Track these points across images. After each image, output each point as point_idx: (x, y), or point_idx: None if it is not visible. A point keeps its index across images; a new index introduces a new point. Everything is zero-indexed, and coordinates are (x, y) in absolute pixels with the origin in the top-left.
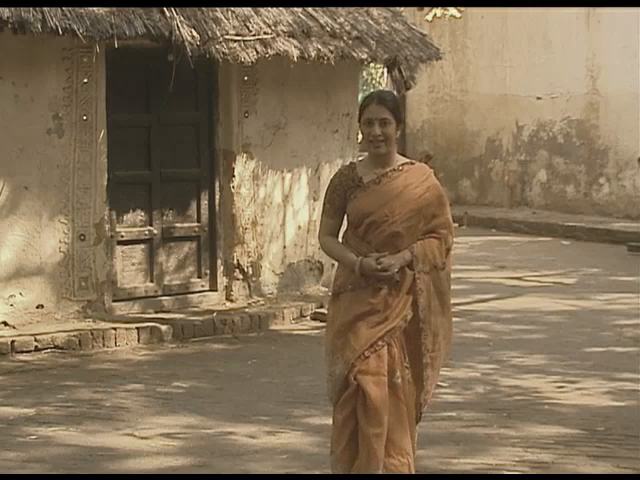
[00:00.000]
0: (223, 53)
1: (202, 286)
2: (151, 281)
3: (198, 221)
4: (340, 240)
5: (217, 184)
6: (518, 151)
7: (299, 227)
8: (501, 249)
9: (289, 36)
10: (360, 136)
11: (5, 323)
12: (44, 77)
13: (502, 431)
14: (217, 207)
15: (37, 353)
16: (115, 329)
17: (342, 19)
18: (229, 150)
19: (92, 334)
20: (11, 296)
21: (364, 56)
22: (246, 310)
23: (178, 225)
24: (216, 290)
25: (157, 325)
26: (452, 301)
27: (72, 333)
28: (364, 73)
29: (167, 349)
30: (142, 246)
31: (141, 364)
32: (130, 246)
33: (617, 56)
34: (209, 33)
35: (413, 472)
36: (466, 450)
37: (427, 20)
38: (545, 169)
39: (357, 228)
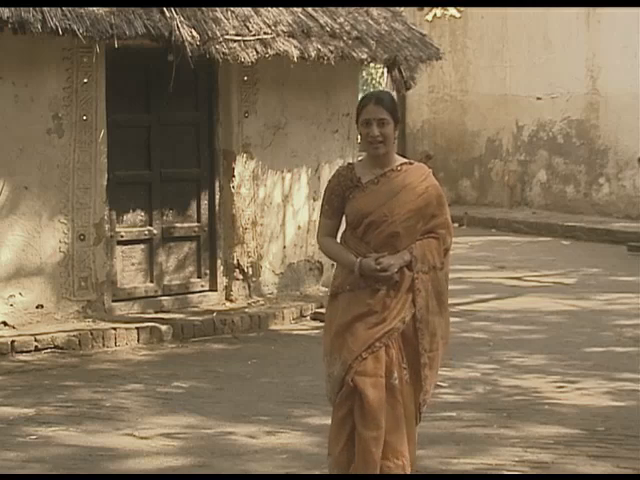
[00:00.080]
0: (223, 53)
1: (202, 286)
2: (151, 281)
3: (198, 221)
4: (338, 241)
5: (217, 184)
6: (518, 151)
7: (299, 227)
8: (501, 249)
9: (289, 36)
10: (359, 137)
11: (5, 323)
12: (44, 77)
13: (502, 431)
14: (217, 207)
15: (37, 353)
16: (115, 329)
17: (342, 19)
18: (229, 150)
19: (92, 334)
20: (11, 296)
21: (364, 56)
22: (246, 310)
23: (178, 225)
24: (216, 290)
25: (157, 325)
26: (452, 301)
27: (72, 333)
28: (364, 73)
29: (167, 349)
30: (142, 246)
31: (141, 364)
32: (130, 246)
33: (617, 56)
34: (209, 33)
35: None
36: (466, 450)
37: (427, 20)
38: (545, 169)
39: (356, 229)
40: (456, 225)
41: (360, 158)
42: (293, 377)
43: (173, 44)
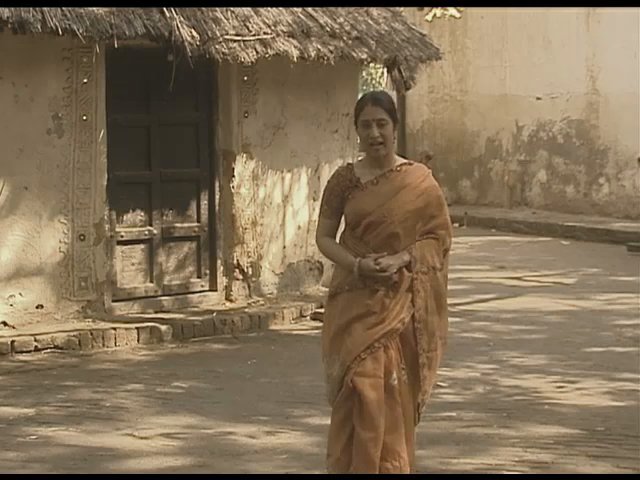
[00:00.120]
0: (223, 53)
1: (202, 286)
2: (151, 281)
3: (198, 221)
4: (338, 241)
5: (217, 184)
6: (518, 151)
7: (299, 227)
8: (501, 249)
9: (289, 36)
10: (358, 139)
11: (5, 323)
12: (44, 77)
13: (502, 431)
14: (217, 207)
15: (37, 353)
16: (115, 329)
17: (342, 19)
18: (229, 150)
19: (92, 334)
20: (11, 296)
21: (364, 56)
22: (246, 310)
23: (178, 225)
24: (216, 290)
25: (157, 325)
26: (452, 301)
27: (72, 333)
28: (364, 73)
29: (167, 349)
30: (142, 246)
31: (141, 364)
32: (130, 246)
33: (617, 56)
34: (209, 33)
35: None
36: (466, 450)
37: (427, 20)
38: (545, 169)
39: (355, 229)
40: (456, 225)
41: (360, 158)
42: (293, 377)
43: (173, 44)
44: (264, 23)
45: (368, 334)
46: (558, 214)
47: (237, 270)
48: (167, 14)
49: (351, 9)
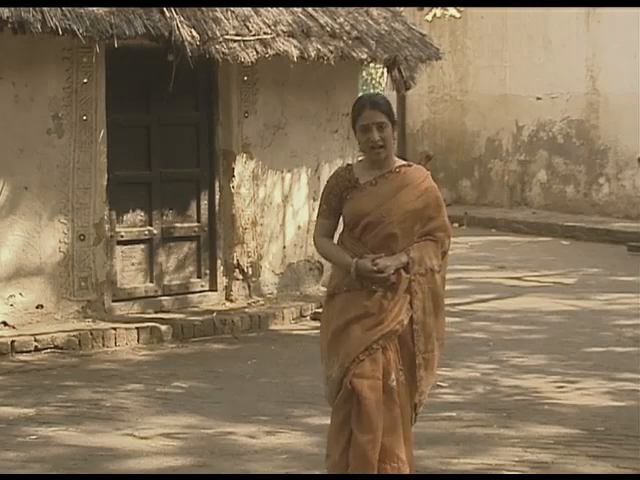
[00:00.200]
0: (223, 53)
1: (202, 286)
2: (151, 281)
3: (198, 221)
4: (336, 241)
5: (217, 184)
6: (518, 151)
7: (299, 227)
8: (501, 249)
9: (289, 36)
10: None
11: (5, 323)
12: (44, 77)
13: (502, 431)
14: (217, 207)
15: (37, 353)
16: (115, 329)
17: (342, 19)
18: (229, 150)
19: (92, 334)
20: (11, 296)
21: (364, 56)
22: (246, 310)
23: (178, 225)
24: (216, 290)
25: (157, 325)
26: (452, 301)
27: (72, 333)
28: (364, 73)
29: (167, 349)
30: (142, 246)
31: (141, 364)
32: (130, 246)
33: (617, 56)
34: (209, 33)
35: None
36: (466, 450)
37: (427, 20)
38: (545, 169)
39: (353, 229)
40: (456, 225)
41: (360, 159)
42: (293, 377)
43: (173, 44)
44: (264, 23)
45: (366, 336)
46: (558, 214)
47: (237, 270)
48: (167, 14)
49: (351, 9)
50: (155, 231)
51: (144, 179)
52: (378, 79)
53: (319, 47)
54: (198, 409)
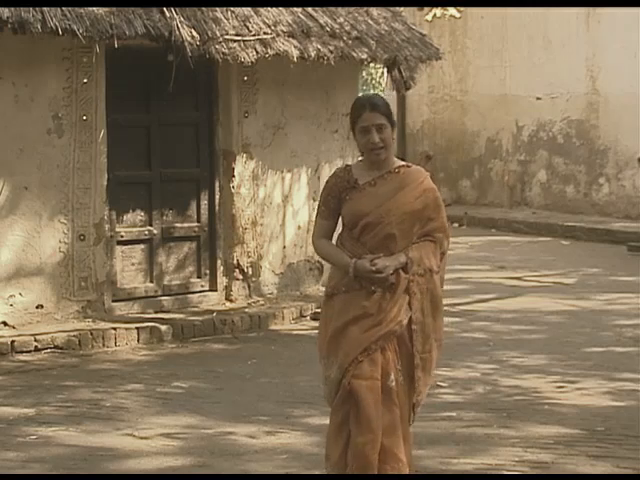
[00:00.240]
0: (223, 53)
1: (202, 286)
2: (151, 281)
3: (198, 221)
4: (335, 242)
5: (217, 184)
6: (518, 151)
7: (299, 227)
8: (501, 249)
9: (289, 36)
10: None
11: (5, 323)
12: (44, 77)
13: (502, 431)
14: (217, 207)
15: (37, 353)
16: (115, 329)
17: (342, 19)
18: (229, 150)
19: (92, 334)
20: (11, 296)
21: (364, 56)
22: (246, 310)
23: (178, 225)
24: (216, 290)
25: (157, 325)
26: (452, 301)
27: (72, 333)
28: (364, 73)
29: (167, 349)
30: (142, 246)
31: (141, 364)
32: (130, 246)
33: (617, 56)
34: (209, 33)
35: None
36: (466, 450)
37: (427, 20)
38: (545, 169)
39: (352, 229)
40: (456, 225)
41: (359, 159)
42: (293, 377)
43: (173, 44)
44: (264, 23)
45: (365, 336)
46: (558, 214)
47: (237, 270)
48: (167, 14)
49: (351, 9)
50: (155, 231)
51: (144, 179)
52: (378, 79)
53: (319, 47)
54: (198, 409)
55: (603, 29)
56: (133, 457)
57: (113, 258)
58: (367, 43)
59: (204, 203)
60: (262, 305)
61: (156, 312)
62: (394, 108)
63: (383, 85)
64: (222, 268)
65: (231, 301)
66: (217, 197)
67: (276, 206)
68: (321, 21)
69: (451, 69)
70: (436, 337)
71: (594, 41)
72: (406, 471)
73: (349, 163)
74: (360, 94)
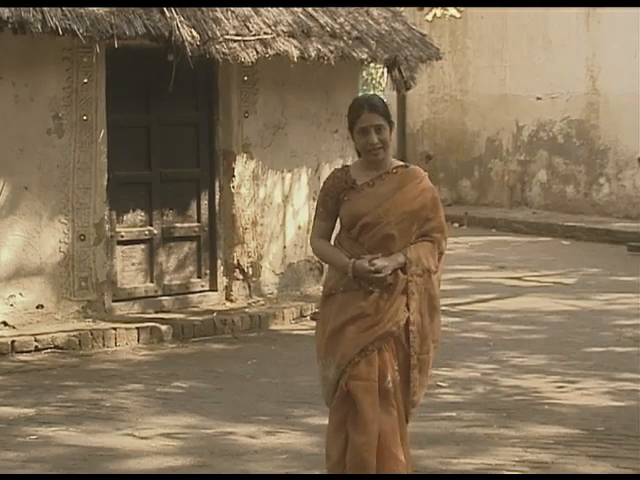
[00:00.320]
0: (223, 53)
1: (202, 286)
2: (151, 281)
3: (198, 221)
4: (333, 242)
5: (217, 184)
6: (518, 151)
7: (299, 227)
8: (501, 249)
9: (289, 36)
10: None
11: (5, 323)
12: (44, 77)
13: (502, 431)
14: (217, 207)
15: (37, 353)
16: (115, 329)
17: (342, 19)
18: (229, 150)
19: (92, 334)
20: (11, 296)
21: (364, 56)
22: (246, 310)
23: (178, 225)
24: (216, 290)
25: (157, 325)
26: (452, 301)
27: (72, 333)
28: (364, 73)
29: (167, 349)
30: (142, 246)
31: (141, 364)
32: (130, 246)
33: (617, 56)
34: (209, 33)
35: None
36: (466, 450)
37: (427, 20)
38: (545, 169)
39: (350, 230)
40: (456, 225)
41: (358, 159)
42: (293, 377)
43: (173, 44)
44: (264, 23)
45: (362, 337)
46: (558, 214)
47: (237, 270)
48: (167, 14)
49: (351, 9)
50: (155, 231)
51: (144, 179)
52: (378, 79)
53: (319, 47)
54: (198, 409)
55: (603, 29)
56: (133, 457)
57: (113, 258)
58: (367, 43)
59: (204, 203)
60: (262, 305)
61: (156, 312)
62: (394, 108)
63: (383, 85)
64: (222, 268)
65: (231, 301)
66: (217, 197)
67: (276, 206)
68: (321, 21)
69: (451, 69)
70: (433, 338)
71: (594, 41)
72: (406, 471)
73: (347, 164)
74: (360, 94)
